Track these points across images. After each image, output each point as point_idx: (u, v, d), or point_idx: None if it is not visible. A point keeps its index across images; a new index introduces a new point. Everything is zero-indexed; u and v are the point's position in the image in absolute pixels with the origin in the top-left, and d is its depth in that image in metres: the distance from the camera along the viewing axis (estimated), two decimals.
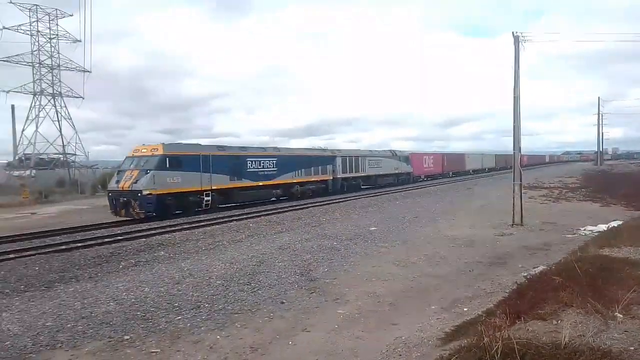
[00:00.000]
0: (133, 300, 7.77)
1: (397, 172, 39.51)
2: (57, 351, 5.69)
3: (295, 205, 24.10)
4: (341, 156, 32.11)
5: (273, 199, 26.81)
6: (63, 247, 13.19)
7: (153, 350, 5.55)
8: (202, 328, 6.32)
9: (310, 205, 24.14)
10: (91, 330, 6.34)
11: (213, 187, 21.98)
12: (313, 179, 29.19)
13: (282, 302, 7.43)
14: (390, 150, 40.62)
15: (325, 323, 6.45)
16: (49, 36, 48.80)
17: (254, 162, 24.76)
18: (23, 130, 45.49)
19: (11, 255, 12.17)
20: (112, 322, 6.65)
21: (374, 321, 6.51)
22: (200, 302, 7.53)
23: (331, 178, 30.76)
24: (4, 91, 45.77)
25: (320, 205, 24.10)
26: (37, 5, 47.34)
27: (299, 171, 28.02)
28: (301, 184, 28.32)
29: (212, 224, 17.71)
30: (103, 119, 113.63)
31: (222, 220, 18.86)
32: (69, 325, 6.57)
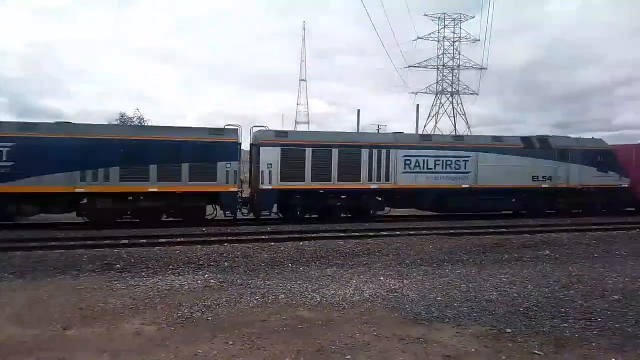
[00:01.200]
0: (515, 294, 7.68)
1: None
2: (445, 325, 6.23)
3: None
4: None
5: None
6: (451, 231, 14.42)
7: (536, 352, 5.30)
8: (593, 344, 5.58)
9: None
10: (475, 314, 6.65)
11: None
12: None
13: None
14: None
15: None
16: (452, 40, 53.79)
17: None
18: (425, 126, 52.35)
19: (411, 232, 14.24)
20: (494, 311, 6.76)
21: None
22: (592, 313, 6.67)
23: None
24: (413, 92, 53.78)
25: None
26: (445, 13, 52.92)
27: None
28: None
29: (608, 230, 15.47)
30: (492, 114, 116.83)
31: (619, 226, 16.22)
32: (455, 304, 7.11)
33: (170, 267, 9.65)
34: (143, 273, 9.10)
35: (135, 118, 37.79)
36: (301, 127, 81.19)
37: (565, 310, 6.85)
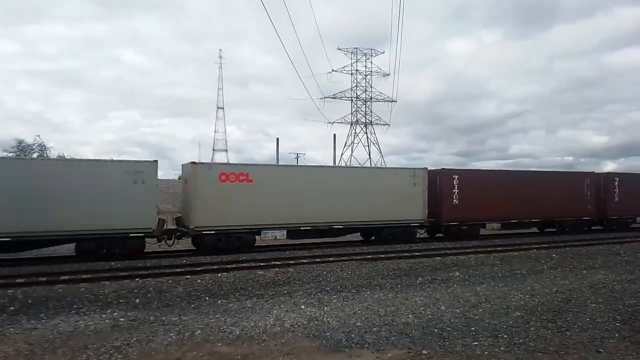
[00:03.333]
0: (430, 316, 7.98)
1: None
2: (365, 350, 6.30)
3: (605, 239, 20.45)
4: None
5: None
6: (369, 256, 14.77)
7: None
8: (501, 359, 5.94)
9: (633, 240, 20.07)
10: (393, 338, 6.80)
11: None
12: None
13: (599, 351, 6.29)
14: None
15: None
16: (364, 73, 56.40)
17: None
18: (342, 154, 53.88)
19: (331, 259, 14.39)
20: (411, 334, 6.96)
21: None
22: (498, 331, 7.11)
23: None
24: (329, 122, 55.39)
25: None
26: (357, 48, 55.53)
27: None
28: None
29: (508, 250, 16.74)
30: (403, 143, 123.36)
31: (518, 247, 17.63)
32: (374, 329, 7.23)
33: (74, 306, 8.86)
34: (42, 314, 8.26)
35: (36, 145, 34.82)
36: (219, 155, 79.93)
37: (475, 329, 7.23)
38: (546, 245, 17.98)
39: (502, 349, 6.34)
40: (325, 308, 8.57)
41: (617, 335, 7.03)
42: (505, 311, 8.30)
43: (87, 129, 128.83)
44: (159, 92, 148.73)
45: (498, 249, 16.97)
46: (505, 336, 6.87)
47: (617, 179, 25.25)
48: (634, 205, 25.28)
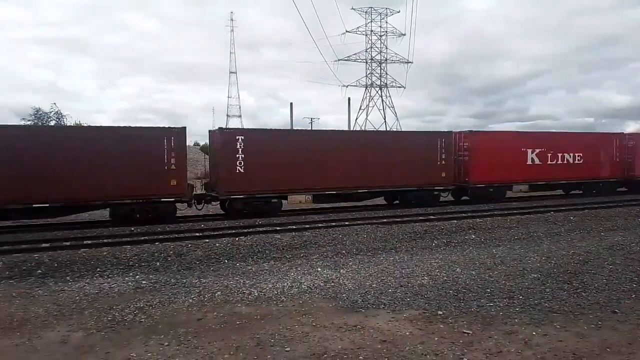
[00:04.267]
0: (445, 278, 8.06)
1: None
2: (381, 311, 6.42)
3: (626, 201, 20.16)
4: None
5: None
6: (384, 220, 14.84)
7: (465, 331, 5.61)
8: (516, 320, 6.00)
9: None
10: (408, 299, 6.91)
11: None
12: None
13: (614, 312, 6.31)
14: None
15: None
16: (379, 34, 55.07)
17: None
18: (357, 118, 53.36)
19: (347, 223, 14.50)
20: (426, 295, 7.06)
21: None
22: (514, 292, 7.17)
23: None
24: (344, 85, 54.66)
25: None
26: (372, 7, 54.01)
27: None
28: None
29: (526, 213, 16.64)
30: (419, 106, 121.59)
31: (537, 210, 17.51)
32: (390, 290, 7.34)
33: (98, 269, 9.15)
34: (68, 277, 8.57)
35: (53, 114, 35.16)
36: (233, 121, 79.90)
37: (491, 290, 7.29)
38: (564, 208, 17.82)
39: (517, 309, 6.40)
40: (341, 270, 8.71)
41: (633, 296, 7.03)
42: (521, 273, 8.33)
43: (101, 96, 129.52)
44: (168, 57, 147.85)
45: (514, 211, 16.88)
46: (521, 297, 6.93)
47: None
48: None
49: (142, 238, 12.18)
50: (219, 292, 7.34)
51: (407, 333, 5.57)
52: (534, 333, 5.56)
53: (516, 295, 7.03)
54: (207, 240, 11.76)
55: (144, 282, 8.08)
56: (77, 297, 7.14)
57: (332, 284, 7.73)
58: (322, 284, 7.72)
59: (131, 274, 8.78)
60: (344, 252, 10.56)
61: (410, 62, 56.39)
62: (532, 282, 7.77)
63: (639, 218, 15.38)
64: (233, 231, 13.16)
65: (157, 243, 11.44)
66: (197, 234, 12.75)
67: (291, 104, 44.92)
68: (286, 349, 5.11)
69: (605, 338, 5.42)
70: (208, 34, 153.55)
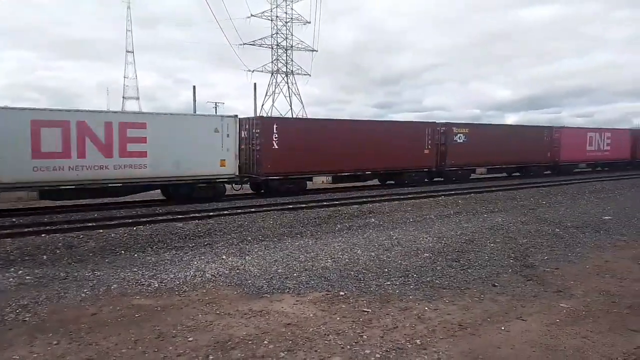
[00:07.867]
0: (347, 260, 8.39)
1: None
2: (285, 295, 6.53)
3: (509, 185, 22.44)
4: None
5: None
6: (290, 206, 15.01)
7: (365, 310, 5.91)
8: (410, 297, 6.45)
9: (527, 185, 22.19)
10: (312, 282, 7.09)
11: None
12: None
13: (494, 285, 7.04)
14: None
15: (545, 315, 5.87)
16: (285, 20, 54.82)
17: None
18: (262, 104, 52.93)
19: (252, 210, 14.43)
20: (329, 277, 7.30)
21: (606, 322, 5.64)
22: (409, 271, 7.68)
23: None
24: (249, 70, 53.85)
25: (539, 186, 21.91)
26: None
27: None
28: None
29: (421, 197, 17.79)
30: (324, 94, 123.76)
31: (430, 194, 18.79)
32: (295, 274, 7.48)
33: None
34: None
35: None
36: (130, 103, 75.13)
37: (388, 270, 7.74)
38: (453, 193, 19.33)
39: (411, 287, 6.88)
40: (246, 257, 8.67)
41: (510, 270, 7.88)
42: (415, 253, 8.93)
43: None
44: (55, 30, 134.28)
45: (410, 196, 17.96)
46: (415, 275, 7.44)
47: None
48: None
49: (26, 230, 11.09)
50: (115, 285, 6.94)
51: (311, 315, 5.73)
52: (426, 308, 6.02)
53: (411, 273, 7.54)
54: (100, 231, 11.02)
55: (27, 277, 7.39)
56: None
57: (237, 271, 7.68)
58: (227, 272, 7.63)
59: (12, 269, 7.96)
60: (249, 238, 10.51)
61: (315, 51, 57.08)
62: (424, 260, 8.37)
63: (515, 200, 17.18)
64: (129, 220, 12.47)
65: (43, 235, 10.49)
66: (90, 224, 11.89)
67: (194, 87, 43.30)
68: (189, 339, 5.00)
69: (487, 309, 6.03)
70: (102, 8, 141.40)
